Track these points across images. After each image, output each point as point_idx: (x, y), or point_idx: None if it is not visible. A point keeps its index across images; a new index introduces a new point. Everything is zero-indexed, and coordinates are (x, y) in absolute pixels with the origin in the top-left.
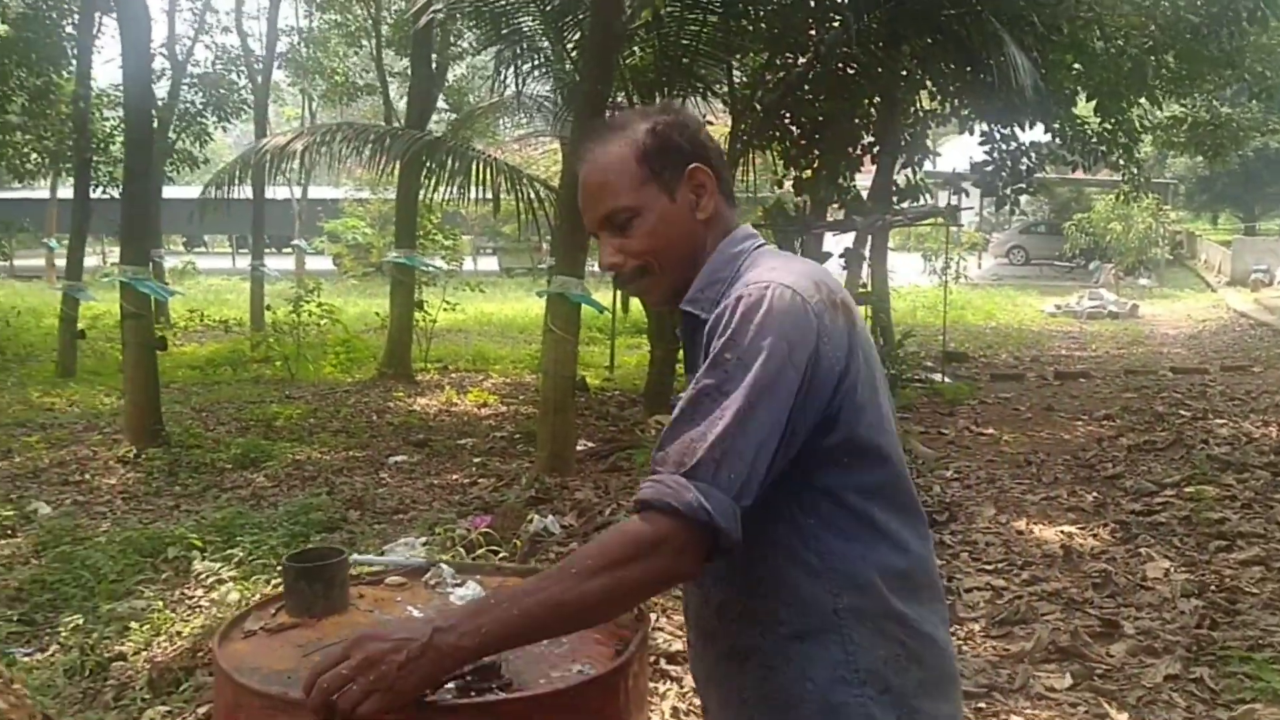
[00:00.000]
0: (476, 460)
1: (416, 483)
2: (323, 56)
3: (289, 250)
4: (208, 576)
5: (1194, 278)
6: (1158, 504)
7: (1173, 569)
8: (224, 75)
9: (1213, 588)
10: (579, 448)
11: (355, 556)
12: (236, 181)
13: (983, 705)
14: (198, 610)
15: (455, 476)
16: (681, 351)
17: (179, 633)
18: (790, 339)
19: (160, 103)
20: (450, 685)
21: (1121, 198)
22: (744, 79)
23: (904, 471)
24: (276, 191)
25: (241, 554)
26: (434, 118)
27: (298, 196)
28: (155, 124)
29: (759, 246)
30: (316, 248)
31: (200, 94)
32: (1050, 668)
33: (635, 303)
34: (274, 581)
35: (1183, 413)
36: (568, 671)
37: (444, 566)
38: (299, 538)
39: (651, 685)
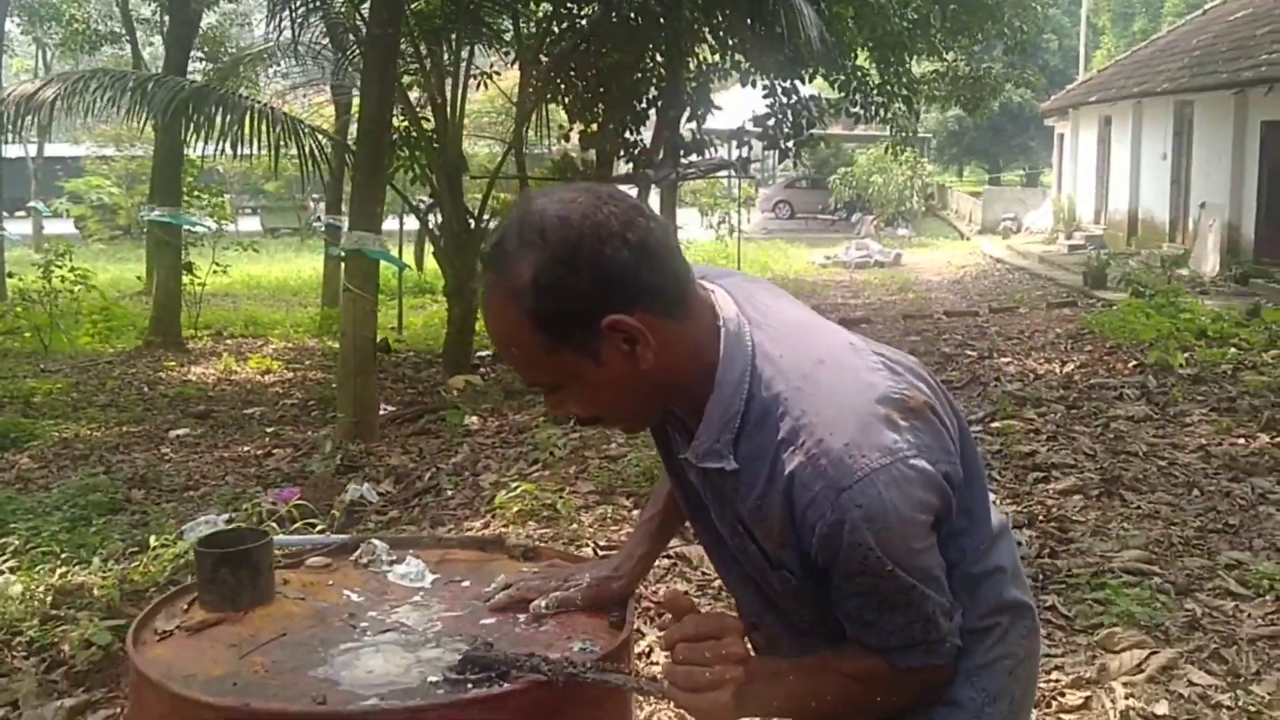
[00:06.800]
0: (269, 430)
1: (204, 456)
2: (59, 1)
3: (23, 214)
4: None
5: (947, 227)
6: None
7: (998, 501)
8: None
9: (1041, 518)
10: (379, 412)
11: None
12: None
13: None
14: None
15: (246, 448)
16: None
17: None
18: (918, 519)
19: None
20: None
21: (890, 151)
22: (531, 29)
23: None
24: (8, 150)
25: (17, 543)
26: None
27: (33, 155)
28: None
29: (750, 344)
30: (55, 210)
31: None
32: None
33: (430, 260)
34: (61, 571)
35: (969, 353)
36: (569, 650)
37: (376, 543)
38: (81, 522)
39: None
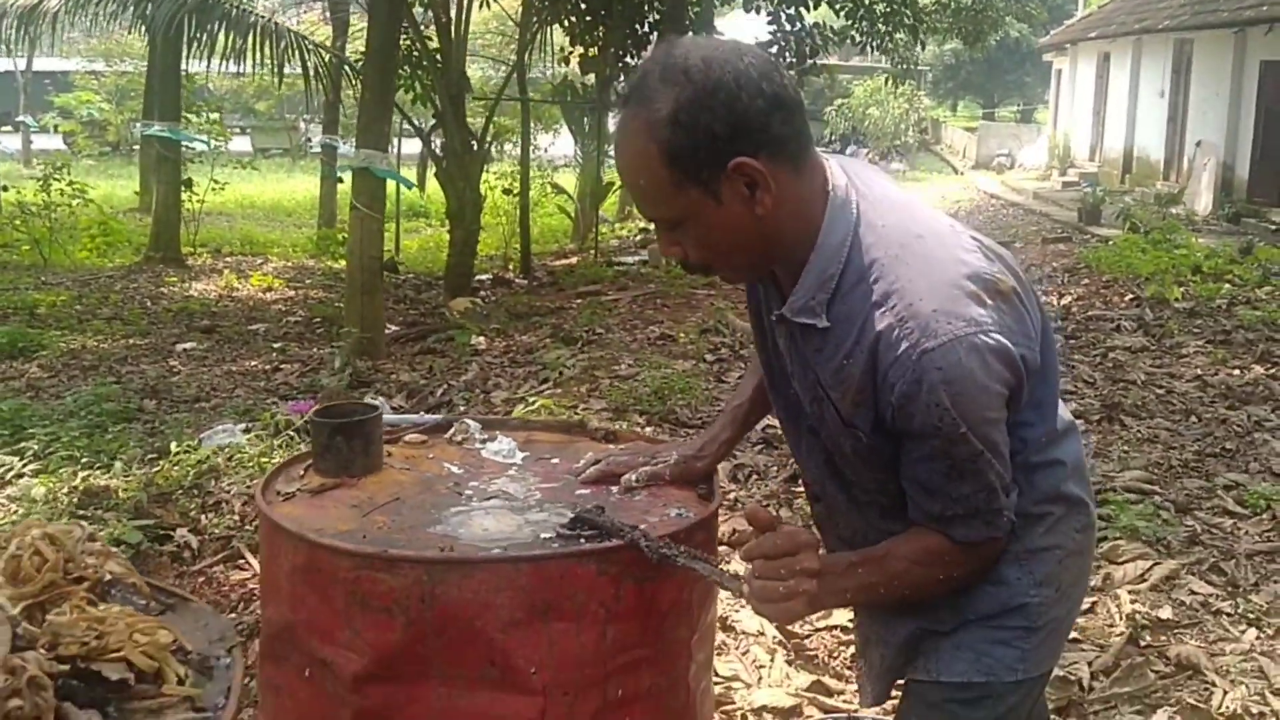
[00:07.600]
0: (275, 346)
1: (213, 370)
2: None
3: (10, 129)
4: (5, 472)
5: (940, 162)
6: None
7: None
8: None
9: None
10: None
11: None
12: None
13: None
14: None
15: (254, 363)
16: (752, 315)
17: None
18: (993, 388)
19: None
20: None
21: (889, 82)
22: None
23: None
24: None
25: (36, 447)
26: None
27: (21, 69)
28: None
29: (855, 213)
30: (45, 125)
31: None
32: None
33: (432, 184)
34: (83, 474)
35: None
36: (665, 516)
37: (470, 422)
38: (97, 429)
39: None
